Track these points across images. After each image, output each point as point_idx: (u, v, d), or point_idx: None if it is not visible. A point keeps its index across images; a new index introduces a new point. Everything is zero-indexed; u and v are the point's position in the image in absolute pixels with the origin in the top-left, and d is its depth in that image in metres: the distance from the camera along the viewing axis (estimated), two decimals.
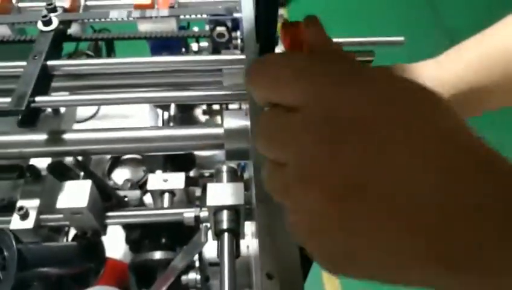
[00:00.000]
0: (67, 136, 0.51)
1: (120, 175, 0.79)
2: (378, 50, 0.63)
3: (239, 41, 0.60)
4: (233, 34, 0.59)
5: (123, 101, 0.54)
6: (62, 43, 0.55)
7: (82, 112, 0.87)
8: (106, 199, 0.56)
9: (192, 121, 0.85)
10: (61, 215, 0.52)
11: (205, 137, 0.51)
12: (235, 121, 0.50)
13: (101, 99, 0.59)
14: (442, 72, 0.46)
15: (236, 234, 0.46)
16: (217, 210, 0.46)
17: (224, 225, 0.45)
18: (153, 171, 0.74)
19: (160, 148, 0.50)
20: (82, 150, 0.51)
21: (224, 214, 0.46)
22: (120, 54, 0.87)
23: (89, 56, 0.84)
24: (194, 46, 0.69)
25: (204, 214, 0.49)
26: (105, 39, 0.62)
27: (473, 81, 0.45)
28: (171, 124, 0.76)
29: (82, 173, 0.54)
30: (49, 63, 0.50)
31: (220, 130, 0.51)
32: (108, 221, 0.56)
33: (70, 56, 0.83)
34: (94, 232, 0.54)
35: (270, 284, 0.30)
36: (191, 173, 0.76)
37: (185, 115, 0.83)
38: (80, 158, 0.56)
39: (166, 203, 0.65)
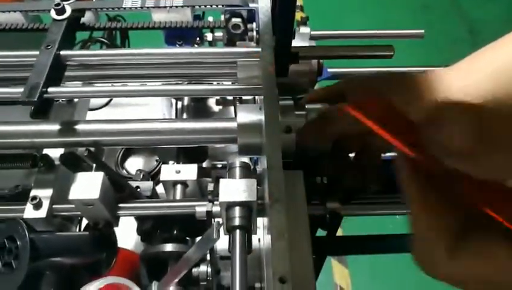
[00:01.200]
0: (79, 127, 0.50)
1: (133, 164, 0.79)
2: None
3: (254, 33, 0.59)
4: (248, 26, 0.58)
5: (135, 93, 0.53)
6: (75, 32, 0.54)
7: (95, 100, 0.87)
8: (119, 190, 0.56)
9: (206, 111, 0.84)
10: (73, 206, 0.52)
11: (218, 131, 0.50)
12: (249, 115, 0.49)
13: (113, 91, 0.59)
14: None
15: (248, 230, 0.45)
16: (229, 206, 0.45)
17: (236, 222, 0.44)
18: (165, 162, 0.74)
19: (172, 141, 0.49)
20: (93, 141, 0.51)
21: (237, 211, 0.45)
22: (134, 42, 0.87)
23: (103, 43, 0.84)
24: (209, 36, 0.68)
25: (216, 209, 0.49)
26: (118, 29, 0.61)
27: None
28: (184, 114, 0.75)
29: (94, 165, 0.54)
30: (62, 52, 0.49)
31: (233, 124, 0.50)
32: (120, 212, 0.55)
33: (84, 43, 0.83)
34: (106, 223, 0.54)
35: (283, 288, 0.29)
36: (204, 164, 0.76)
37: (198, 105, 0.83)
38: (92, 149, 0.56)
39: (178, 195, 0.65)
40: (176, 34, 0.75)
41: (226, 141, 0.51)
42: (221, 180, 0.46)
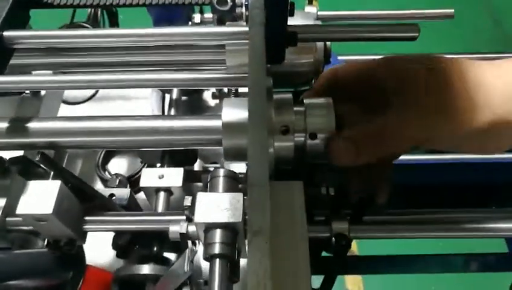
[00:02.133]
0: (31, 125, 0.42)
1: (117, 167, 0.70)
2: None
3: (244, 9, 0.49)
4: (237, 1, 0.48)
5: (100, 84, 0.44)
6: (28, 10, 0.45)
7: (79, 92, 0.78)
8: (86, 200, 0.47)
9: (199, 107, 0.74)
10: None
11: (200, 131, 0.41)
12: (236, 111, 0.40)
13: (75, 81, 0.50)
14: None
15: (231, 259, 0.36)
16: (208, 228, 0.36)
17: (216, 249, 0.35)
18: (152, 164, 0.64)
19: (143, 143, 0.40)
20: (48, 143, 0.42)
21: (217, 235, 0.35)
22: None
23: (85, 29, 0.74)
24: (197, 18, 0.58)
25: (194, 229, 0.39)
26: (88, 6, 0.52)
27: None
28: (172, 110, 0.65)
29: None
30: (6, 34, 0.40)
31: (217, 123, 0.40)
32: (87, 227, 0.46)
33: (65, 28, 0.74)
34: (69, 240, 0.46)
35: None
36: (195, 167, 0.67)
37: (190, 99, 0.73)
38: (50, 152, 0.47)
39: (161, 204, 0.56)
40: (164, 17, 0.65)
41: (210, 143, 0.42)
42: (198, 195, 0.36)
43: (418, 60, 0.39)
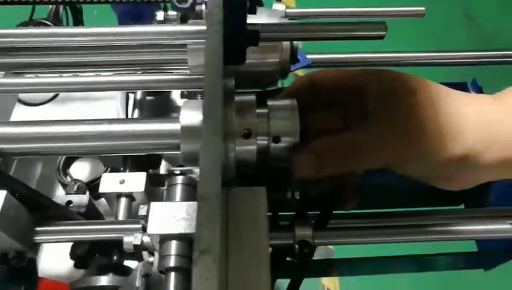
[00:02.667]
0: None
1: (78, 171, 0.67)
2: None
3: (204, 6, 0.46)
4: None
5: (49, 88, 0.41)
6: None
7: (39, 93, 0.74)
8: (37, 209, 0.44)
9: (167, 107, 0.72)
10: None
11: (156, 135, 0.38)
12: (196, 114, 0.37)
13: (35, 84, 0.47)
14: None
15: (188, 272, 0.33)
16: (163, 240, 0.34)
17: (171, 262, 0.33)
18: (116, 169, 0.62)
19: (93, 149, 0.37)
20: None
21: (172, 247, 0.33)
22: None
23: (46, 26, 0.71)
24: (160, 15, 0.55)
25: (149, 240, 0.37)
26: (46, 2, 0.48)
27: None
28: (136, 112, 0.62)
29: None
30: None
31: (175, 126, 0.38)
32: (38, 238, 0.44)
33: (23, 26, 0.70)
34: (17, 253, 0.43)
35: None
36: (162, 170, 0.64)
37: (157, 99, 0.70)
38: None
39: (122, 211, 0.53)
40: (127, 15, 0.62)
41: (169, 148, 0.39)
42: (152, 204, 0.34)
43: (404, 79, 0.37)
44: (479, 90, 0.63)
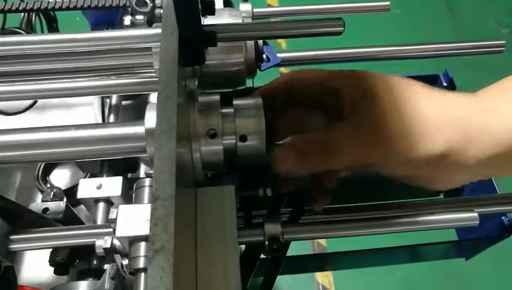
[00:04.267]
0: None
1: (58, 178, 0.67)
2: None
3: (162, 10, 0.47)
4: (158, 2, 0.46)
5: (21, 95, 0.41)
6: None
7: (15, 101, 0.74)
8: (12, 218, 0.45)
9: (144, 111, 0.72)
10: None
11: (122, 139, 0.39)
12: None
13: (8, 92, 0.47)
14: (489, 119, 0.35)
15: None
16: (132, 242, 0.34)
17: (141, 263, 0.33)
18: (95, 174, 0.62)
19: (58, 155, 0.37)
20: None
21: (141, 248, 0.33)
22: None
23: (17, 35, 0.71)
24: (126, 20, 0.56)
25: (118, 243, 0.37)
26: (13, 11, 0.49)
27: None
28: (112, 116, 0.63)
29: None
30: None
31: (139, 129, 0.38)
32: (14, 246, 0.44)
33: None
34: None
35: None
36: (141, 173, 0.64)
37: (134, 103, 0.70)
38: None
39: (100, 215, 0.53)
40: (99, 21, 0.63)
41: (136, 152, 0.40)
42: (120, 207, 0.34)
43: (377, 80, 0.38)
44: (450, 81, 0.64)
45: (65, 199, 0.54)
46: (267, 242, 0.38)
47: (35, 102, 0.76)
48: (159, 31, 0.41)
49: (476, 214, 0.41)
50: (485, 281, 1.55)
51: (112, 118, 0.62)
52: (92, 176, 0.62)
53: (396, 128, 0.35)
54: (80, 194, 0.53)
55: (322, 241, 1.63)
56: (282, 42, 2.03)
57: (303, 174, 0.40)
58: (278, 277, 0.43)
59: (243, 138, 0.39)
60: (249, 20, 0.51)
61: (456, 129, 0.35)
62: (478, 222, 0.41)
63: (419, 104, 0.36)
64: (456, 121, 0.35)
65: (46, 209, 0.51)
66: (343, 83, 0.39)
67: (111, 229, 0.40)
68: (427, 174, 0.38)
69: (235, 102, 0.40)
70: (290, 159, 0.37)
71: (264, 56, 0.51)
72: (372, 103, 0.36)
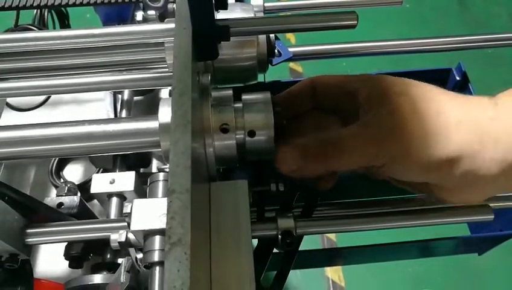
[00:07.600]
0: None
1: (71, 173, 0.68)
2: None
3: (175, 5, 0.47)
4: None
5: (34, 91, 0.42)
6: None
7: (29, 98, 0.75)
8: (28, 212, 0.45)
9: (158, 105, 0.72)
10: None
11: (136, 134, 0.39)
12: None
13: (21, 88, 0.48)
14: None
15: None
16: (146, 235, 0.34)
17: (156, 257, 0.33)
18: (108, 169, 0.62)
19: (71, 150, 0.38)
20: None
21: (156, 242, 0.34)
22: None
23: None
24: (139, 15, 0.56)
25: (133, 236, 0.38)
26: (27, 7, 0.49)
27: None
28: (124, 112, 0.63)
29: None
30: None
31: (154, 124, 0.38)
32: (30, 240, 0.45)
33: (9, 32, 0.70)
34: (11, 255, 0.44)
35: None
36: (154, 168, 0.65)
37: (147, 98, 0.71)
38: None
39: (113, 210, 0.54)
40: (111, 17, 0.63)
41: (149, 146, 0.40)
42: (134, 201, 0.35)
43: (391, 83, 0.38)
44: (463, 75, 0.64)
45: (79, 194, 0.55)
46: (280, 236, 0.39)
47: (48, 98, 0.77)
48: (171, 26, 0.42)
49: (490, 208, 0.41)
50: (496, 274, 1.54)
51: (124, 114, 0.63)
52: (105, 171, 0.63)
53: (414, 129, 0.35)
54: (94, 189, 0.54)
55: (332, 236, 1.63)
56: (292, 37, 2.02)
57: (312, 175, 0.40)
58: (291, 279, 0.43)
59: (252, 133, 0.39)
60: (261, 15, 0.50)
61: (474, 130, 0.34)
62: (493, 217, 0.41)
63: (441, 107, 0.36)
64: (477, 124, 0.34)
65: (60, 204, 0.51)
66: (360, 86, 0.39)
67: (125, 223, 0.41)
68: (444, 180, 0.36)
69: (243, 97, 0.40)
70: (295, 160, 0.37)
71: (276, 51, 0.51)
72: (388, 105, 0.36)
